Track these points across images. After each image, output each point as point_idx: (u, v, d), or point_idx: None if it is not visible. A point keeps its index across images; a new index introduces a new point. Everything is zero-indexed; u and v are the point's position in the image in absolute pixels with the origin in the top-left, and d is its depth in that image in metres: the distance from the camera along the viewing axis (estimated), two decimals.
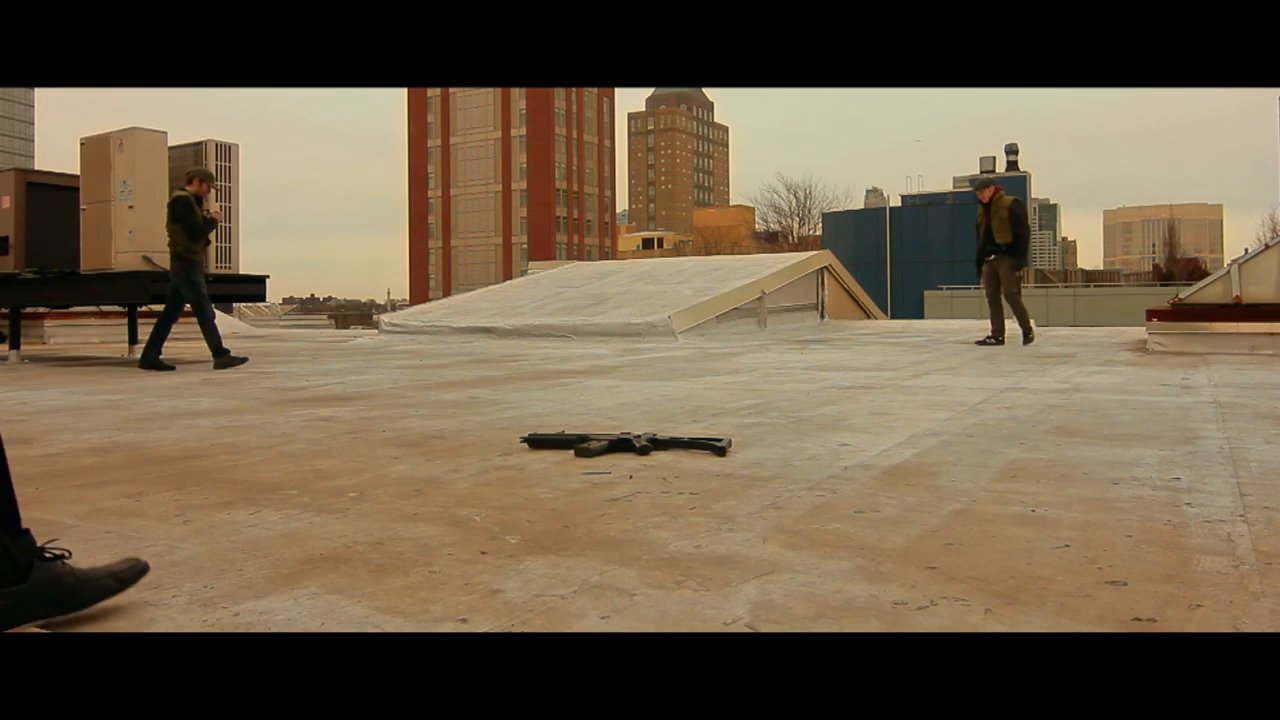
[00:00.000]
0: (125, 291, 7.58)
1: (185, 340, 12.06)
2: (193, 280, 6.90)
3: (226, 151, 8.73)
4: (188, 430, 3.47)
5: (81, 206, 7.97)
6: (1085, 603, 1.43)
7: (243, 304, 16.82)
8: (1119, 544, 1.75)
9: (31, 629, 1.35)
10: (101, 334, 11.16)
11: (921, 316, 34.30)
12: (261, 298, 8.47)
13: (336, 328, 27.03)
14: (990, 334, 8.59)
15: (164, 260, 7.94)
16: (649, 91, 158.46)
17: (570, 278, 14.89)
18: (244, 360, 6.69)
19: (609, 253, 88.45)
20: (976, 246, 8.85)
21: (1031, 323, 8.65)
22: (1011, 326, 8.70)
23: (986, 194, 8.73)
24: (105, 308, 10.49)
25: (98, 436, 3.33)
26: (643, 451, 2.77)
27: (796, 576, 1.57)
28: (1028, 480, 2.35)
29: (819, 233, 64.38)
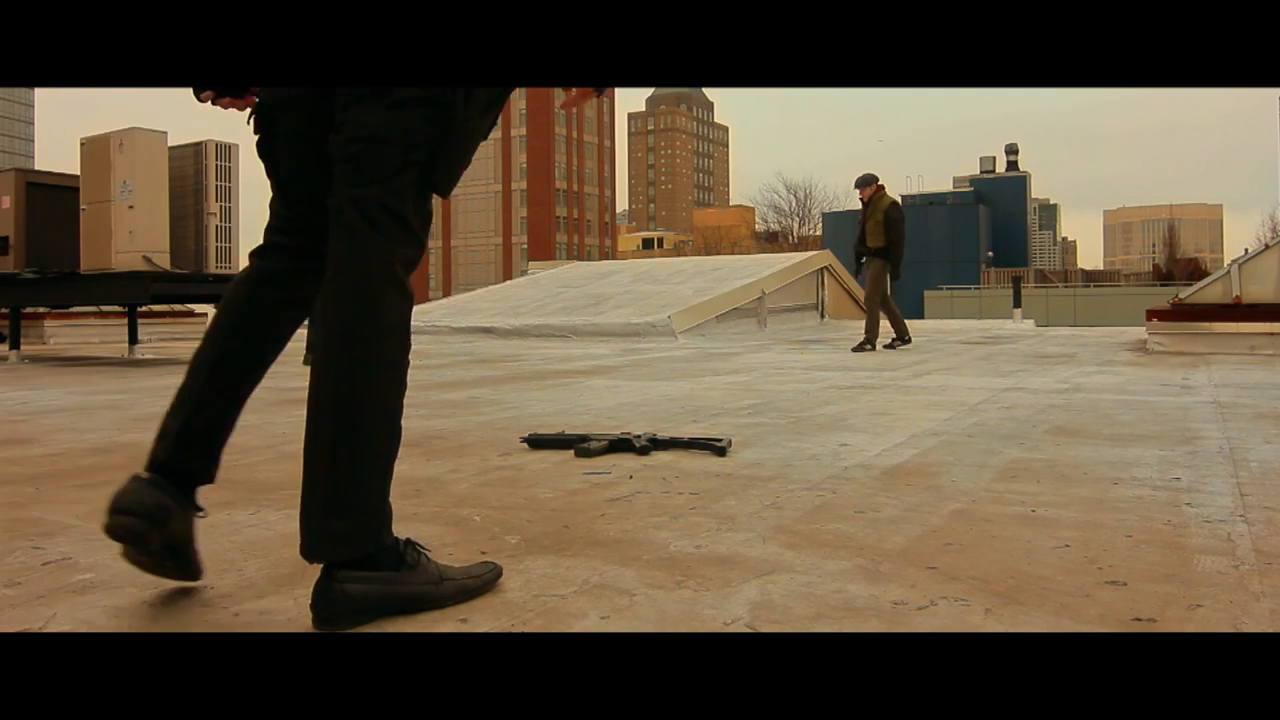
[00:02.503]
0: (125, 291, 7.58)
1: (185, 340, 12.06)
2: None
3: (226, 151, 8.70)
4: None
5: (81, 206, 7.96)
6: (1085, 603, 1.43)
7: None
8: (1119, 544, 1.75)
9: (27, 629, 1.35)
10: (101, 334, 11.17)
11: (922, 316, 34.34)
12: None
13: None
14: (895, 336, 8.39)
15: (164, 260, 7.94)
16: (649, 91, 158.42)
17: (570, 278, 14.90)
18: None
19: (609, 253, 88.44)
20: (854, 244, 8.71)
21: (877, 339, 8.31)
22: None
23: (866, 192, 8.45)
24: (105, 308, 10.50)
25: (98, 436, 3.33)
26: (643, 451, 2.77)
27: (796, 576, 1.57)
28: (1028, 480, 2.35)
29: (819, 233, 64.40)
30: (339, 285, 1.34)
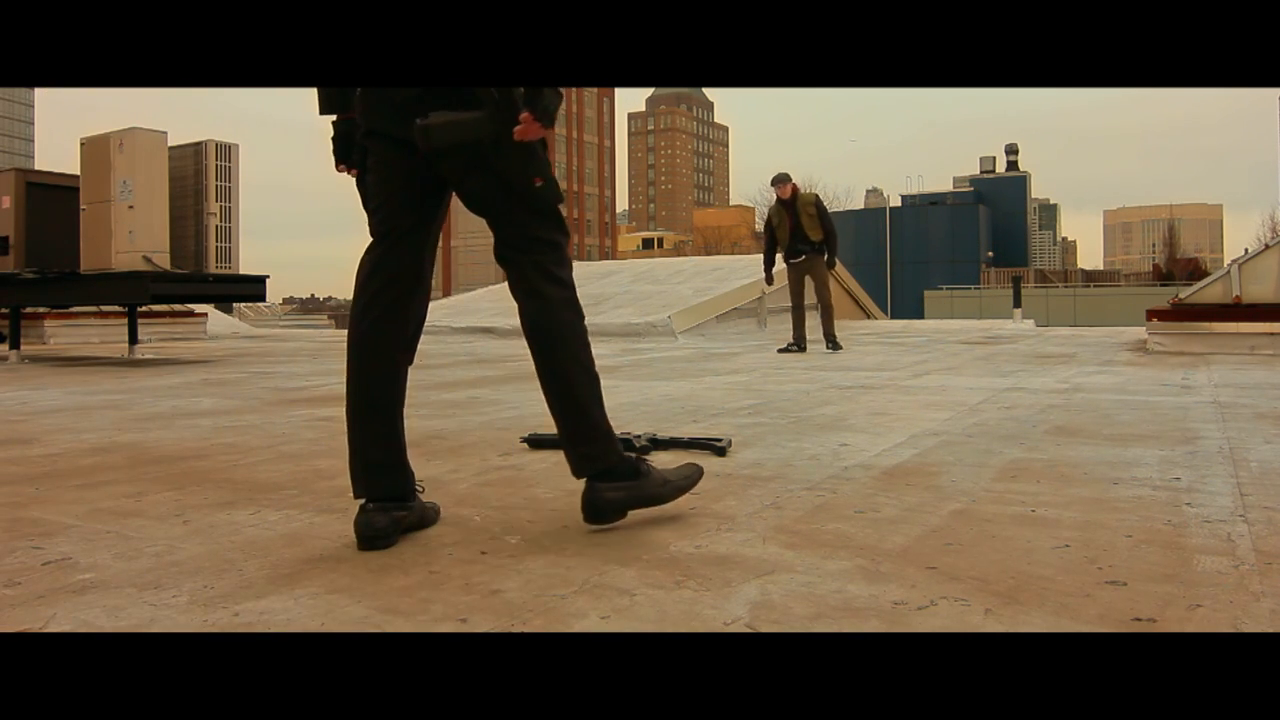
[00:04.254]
0: (125, 291, 7.58)
1: (185, 340, 12.06)
2: None
3: (226, 151, 8.70)
4: (188, 430, 3.47)
5: (81, 206, 7.96)
6: (1085, 603, 1.43)
7: (243, 304, 16.83)
8: (1119, 544, 1.75)
9: (27, 629, 1.36)
10: (101, 334, 11.17)
11: (921, 316, 34.34)
12: (261, 298, 8.47)
13: (337, 328, 27.02)
14: (791, 341, 8.08)
15: (164, 260, 7.94)
16: (649, 91, 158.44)
17: None
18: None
19: (609, 253, 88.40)
20: (774, 248, 8.24)
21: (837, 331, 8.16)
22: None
23: (788, 190, 8.15)
24: (105, 308, 10.50)
25: (98, 436, 3.33)
26: (643, 451, 2.77)
27: (796, 576, 1.57)
28: (1028, 480, 2.35)
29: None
30: (528, 291, 1.86)
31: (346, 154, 1.97)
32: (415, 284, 1.87)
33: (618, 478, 1.87)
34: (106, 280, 7.52)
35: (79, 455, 2.91)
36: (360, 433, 1.82)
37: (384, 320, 1.84)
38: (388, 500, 1.81)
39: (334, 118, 1.98)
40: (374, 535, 1.76)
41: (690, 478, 2.00)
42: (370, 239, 1.88)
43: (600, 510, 1.86)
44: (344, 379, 1.87)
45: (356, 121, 1.87)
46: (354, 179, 1.94)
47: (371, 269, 1.85)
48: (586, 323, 1.91)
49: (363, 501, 1.81)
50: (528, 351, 1.91)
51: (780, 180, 8.26)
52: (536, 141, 1.75)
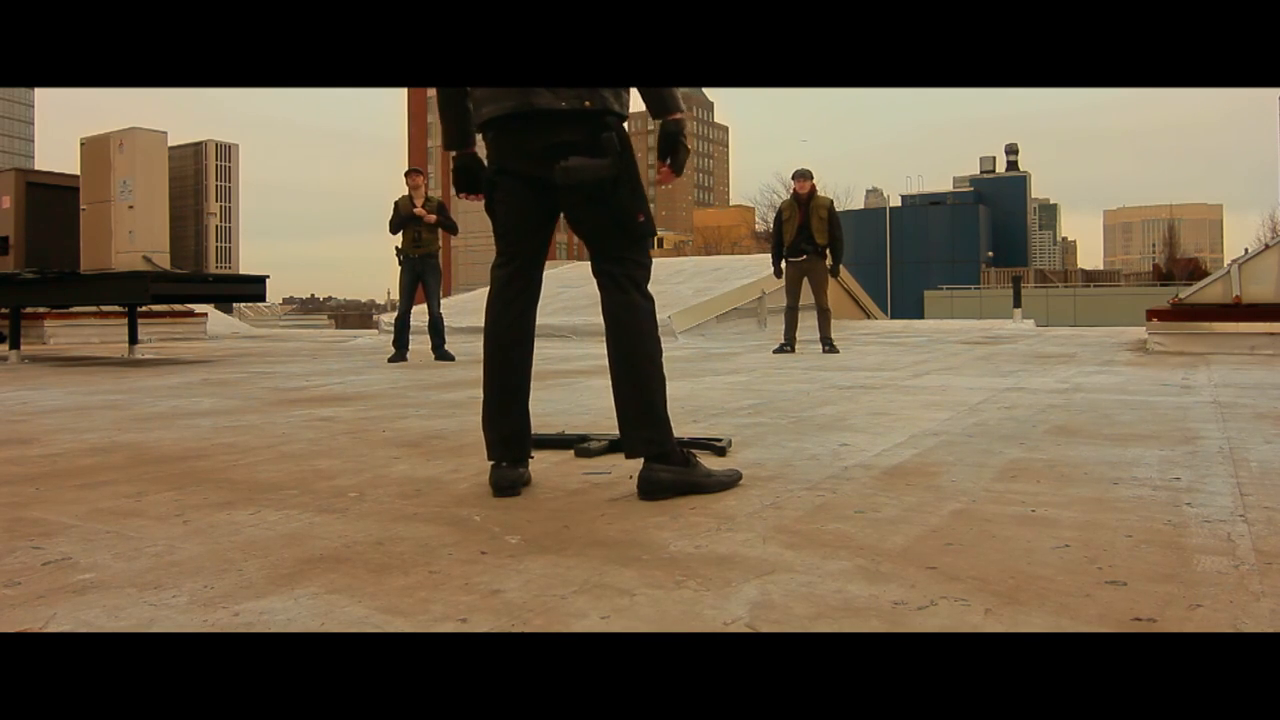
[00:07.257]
0: (125, 291, 7.58)
1: (185, 340, 12.06)
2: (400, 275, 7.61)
3: (226, 151, 8.69)
4: (188, 430, 3.47)
5: (81, 206, 7.96)
6: (1085, 603, 1.43)
7: (243, 304, 16.83)
8: (1119, 544, 1.75)
9: (27, 629, 1.36)
10: (101, 334, 11.18)
11: (921, 316, 34.32)
12: (261, 298, 8.46)
13: (336, 328, 27.01)
14: (784, 341, 8.07)
15: (164, 260, 7.94)
16: None
17: (570, 278, 14.88)
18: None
19: None
20: (781, 242, 8.13)
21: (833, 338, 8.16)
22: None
23: (806, 187, 8.07)
24: (105, 308, 10.51)
25: (98, 436, 3.33)
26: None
27: (796, 576, 1.57)
28: (1028, 480, 2.35)
29: None
30: (618, 297, 2.20)
31: (466, 184, 2.36)
32: (537, 291, 2.36)
33: (671, 463, 2.16)
34: (106, 280, 7.52)
35: (79, 455, 2.91)
36: (500, 408, 2.31)
37: (522, 319, 2.32)
38: (518, 463, 2.27)
39: (454, 152, 2.35)
40: (508, 484, 2.23)
41: (732, 478, 2.27)
42: (499, 257, 2.31)
43: (655, 488, 2.13)
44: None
45: (477, 157, 2.32)
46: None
47: (506, 280, 2.31)
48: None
49: (495, 462, 2.27)
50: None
51: (801, 175, 8.24)
52: (640, 185, 2.19)
